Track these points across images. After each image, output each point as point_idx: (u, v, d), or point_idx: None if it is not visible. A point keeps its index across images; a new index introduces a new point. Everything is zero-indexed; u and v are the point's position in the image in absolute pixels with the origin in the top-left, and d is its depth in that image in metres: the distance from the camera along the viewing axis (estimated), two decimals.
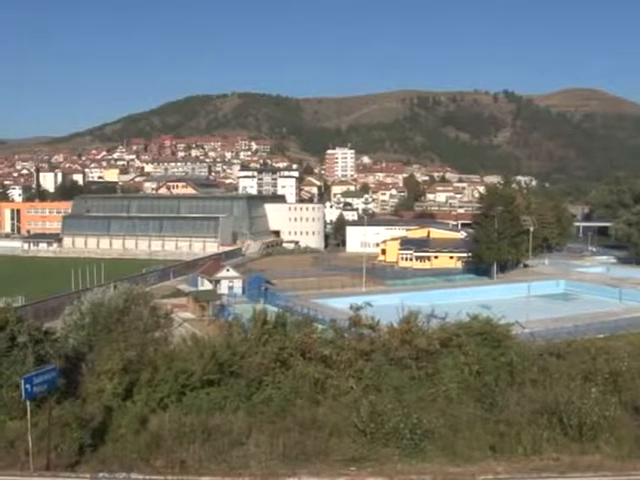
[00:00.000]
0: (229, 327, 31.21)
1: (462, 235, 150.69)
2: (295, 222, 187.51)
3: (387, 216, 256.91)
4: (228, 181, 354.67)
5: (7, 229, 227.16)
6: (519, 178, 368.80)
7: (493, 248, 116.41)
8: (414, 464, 21.76)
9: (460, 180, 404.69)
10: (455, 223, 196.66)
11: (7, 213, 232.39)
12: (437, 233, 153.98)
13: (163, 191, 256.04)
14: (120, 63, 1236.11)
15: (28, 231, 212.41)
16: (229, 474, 21.00)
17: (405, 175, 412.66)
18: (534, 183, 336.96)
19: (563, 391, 24.84)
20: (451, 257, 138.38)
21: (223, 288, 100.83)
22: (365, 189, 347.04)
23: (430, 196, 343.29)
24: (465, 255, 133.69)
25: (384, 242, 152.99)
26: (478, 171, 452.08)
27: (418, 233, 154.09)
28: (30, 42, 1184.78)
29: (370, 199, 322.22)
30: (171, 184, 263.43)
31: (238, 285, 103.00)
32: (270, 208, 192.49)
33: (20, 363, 25.16)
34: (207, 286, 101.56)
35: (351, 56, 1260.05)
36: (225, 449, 22.36)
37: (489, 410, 24.62)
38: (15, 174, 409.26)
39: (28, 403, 21.49)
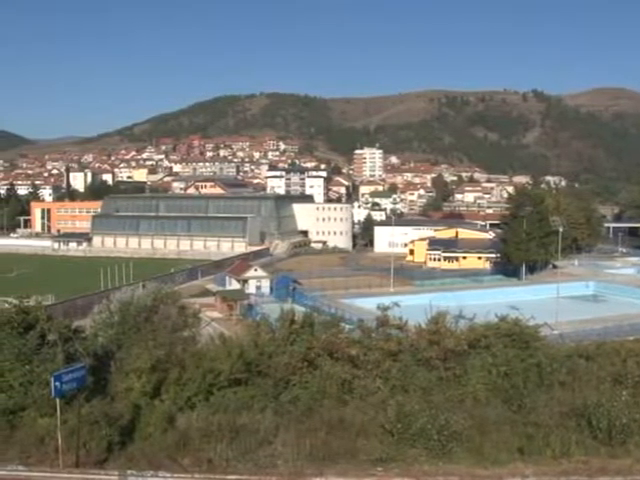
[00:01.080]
0: (257, 327, 31.26)
1: (490, 236, 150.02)
2: (323, 222, 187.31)
3: (415, 216, 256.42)
4: (256, 181, 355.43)
5: (38, 228, 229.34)
6: (548, 178, 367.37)
7: (522, 249, 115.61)
8: (441, 465, 21.68)
9: (489, 180, 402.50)
10: (483, 223, 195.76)
11: (38, 212, 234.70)
12: (465, 233, 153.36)
13: (191, 191, 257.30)
14: (149, 63, 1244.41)
15: (58, 230, 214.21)
16: (256, 473, 21.05)
17: (433, 175, 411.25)
18: (563, 183, 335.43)
19: (592, 393, 24.62)
20: (479, 258, 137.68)
21: (251, 288, 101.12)
22: (393, 189, 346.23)
23: (458, 196, 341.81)
24: (493, 256, 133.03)
25: (412, 242, 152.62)
26: (507, 171, 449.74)
27: (446, 233, 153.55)
28: (60, 43, 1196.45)
29: (398, 199, 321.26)
30: (199, 184, 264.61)
31: (266, 285, 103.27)
32: (298, 208, 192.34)
33: (50, 361, 25.38)
34: (235, 286, 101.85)
35: (379, 56, 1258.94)
36: (252, 448, 22.41)
37: (517, 412, 24.46)
38: (46, 174, 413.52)
39: (58, 401, 21.67)
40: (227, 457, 21.94)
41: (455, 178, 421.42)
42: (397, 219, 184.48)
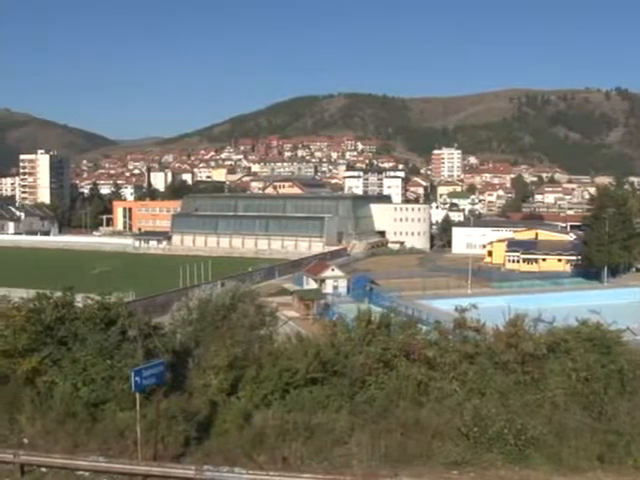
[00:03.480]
0: (333, 326, 31.25)
1: (571, 237, 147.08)
2: (400, 222, 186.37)
3: (494, 217, 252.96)
4: (334, 181, 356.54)
5: (119, 227, 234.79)
6: (632, 179, 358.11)
7: (603, 251, 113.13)
8: (517, 471, 21.36)
9: (570, 181, 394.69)
10: (564, 225, 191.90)
11: (120, 211, 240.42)
12: (545, 235, 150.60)
13: (270, 191, 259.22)
14: (228, 64, 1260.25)
15: (139, 229, 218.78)
16: (330, 472, 21.06)
17: (513, 176, 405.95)
18: None
19: None
20: (559, 260, 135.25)
21: (328, 287, 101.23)
22: (472, 190, 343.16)
23: (538, 197, 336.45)
24: (574, 258, 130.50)
25: (490, 243, 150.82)
26: (588, 172, 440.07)
27: (525, 235, 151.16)
28: (140, 45, 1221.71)
29: (477, 200, 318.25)
30: (277, 184, 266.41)
31: (343, 285, 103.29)
32: (375, 208, 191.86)
33: (130, 356, 25.86)
34: (312, 285, 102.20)
35: (458, 55, 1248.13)
36: (327, 448, 22.46)
37: (597, 419, 23.87)
38: (127, 174, 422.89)
39: (137, 395, 22.07)
40: (302, 455, 22.04)
41: (535, 179, 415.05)
42: (475, 220, 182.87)
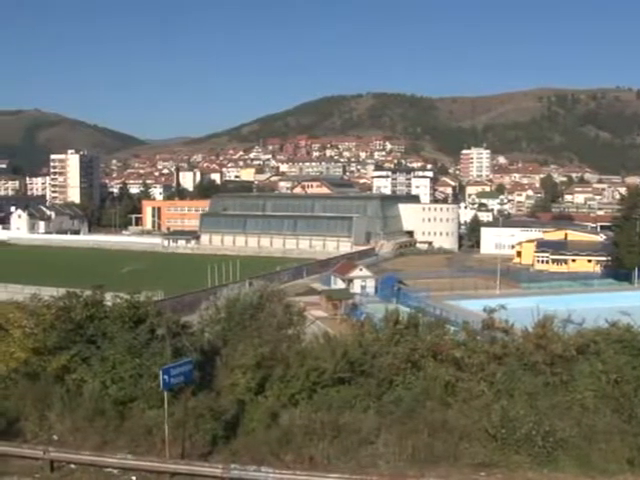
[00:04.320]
0: (361, 326, 31.27)
1: (601, 238, 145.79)
2: (429, 222, 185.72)
3: (523, 217, 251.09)
4: (362, 181, 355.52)
5: (148, 226, 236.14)
6: None
7: (634, 252, 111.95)
8: (546, 473, 21.23)
9: (600, 181, 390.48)
10: (594, 225, 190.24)
11: (149, 211, 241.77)
12: (575, 235, 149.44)
13: (298, 190, 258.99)
14: (256, 64, 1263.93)
15: (168, 228, 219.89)
16: (357, 472, 21.05)
17: (542, 176, 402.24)
18: None
19: None
20: (589, 261, 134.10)
21: (356, 287, 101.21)
22: (500, 190, 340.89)
23: (568, 197, 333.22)
24: (604, 259, 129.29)
25: (519, 244, 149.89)
26: (619, 172, 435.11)
27: (555, 235, 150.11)
28: (169, 45, 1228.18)
29: (505, 200, 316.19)
30: (306, 184, 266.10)
31: (371, 284, 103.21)
32: (404, 208, 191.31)
33: (159, 355, 26.03)
34: (340, 285, 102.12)
35: (487, 54, 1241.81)
36: (354, 447, 22.46)
37: (627, 422, 23.61)
38: (156, 173, 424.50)
39: (165, 393, 22.22)
40: (329, 455, 22.05)
41: (565, 179, 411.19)
42: (504, 220, 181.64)
